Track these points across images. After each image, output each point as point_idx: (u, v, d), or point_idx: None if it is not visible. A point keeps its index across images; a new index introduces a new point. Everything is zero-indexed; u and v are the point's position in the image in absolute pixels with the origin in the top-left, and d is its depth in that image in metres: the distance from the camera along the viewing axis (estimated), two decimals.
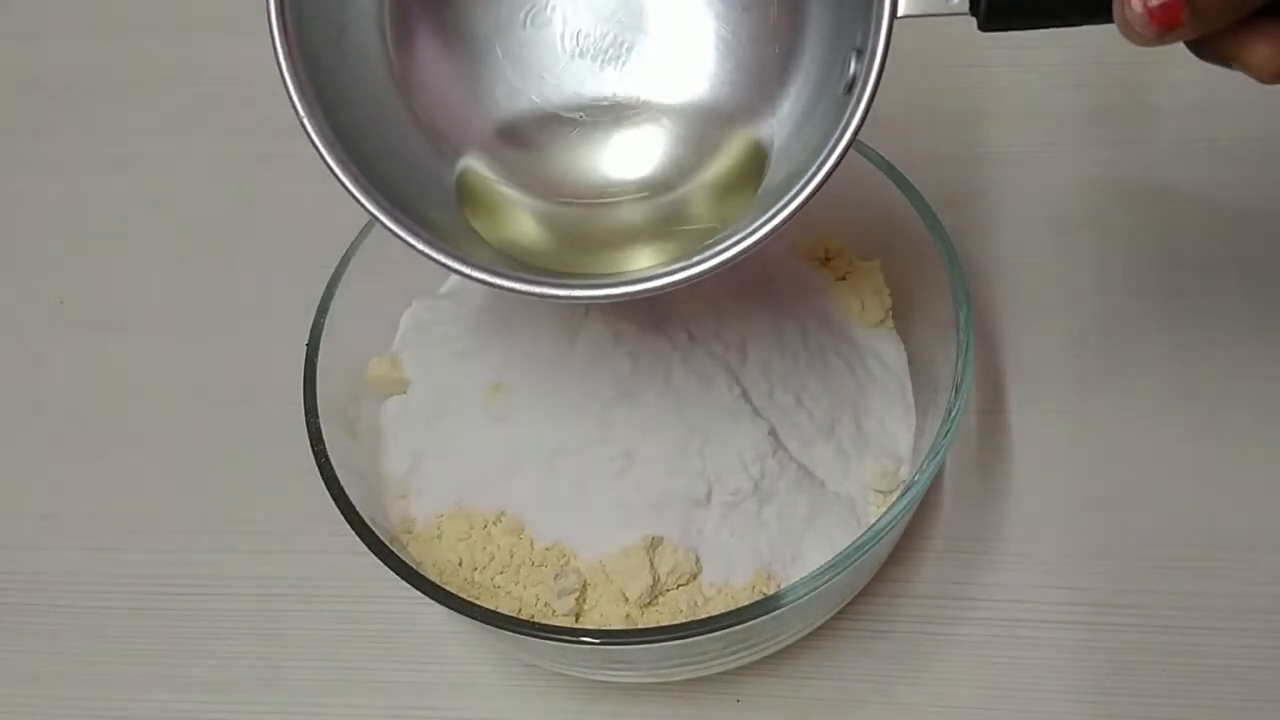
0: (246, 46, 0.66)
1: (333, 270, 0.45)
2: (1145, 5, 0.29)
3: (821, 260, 0.49)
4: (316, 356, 0.43)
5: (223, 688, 0.47)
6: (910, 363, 0.47)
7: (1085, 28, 0.33)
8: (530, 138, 0.39)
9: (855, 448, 0.44)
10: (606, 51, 0.39)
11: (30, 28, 0.72)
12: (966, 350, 0.41)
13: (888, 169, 0.45)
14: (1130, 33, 0.30)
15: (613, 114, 0.39)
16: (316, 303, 0.45)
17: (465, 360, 0.45)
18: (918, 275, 0.45)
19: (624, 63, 0.39)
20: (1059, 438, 0.49)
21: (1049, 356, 0.52)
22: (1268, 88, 0.32)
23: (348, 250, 0.46)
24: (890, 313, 0.48)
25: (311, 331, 0.44)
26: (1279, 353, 0.51)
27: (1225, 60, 0.32)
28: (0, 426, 0.56)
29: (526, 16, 0.39)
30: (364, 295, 0.46)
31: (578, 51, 0.39)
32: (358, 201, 0.35)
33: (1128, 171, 0.57)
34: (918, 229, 0.44)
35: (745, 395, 0.42)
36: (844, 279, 0.48)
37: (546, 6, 0.39)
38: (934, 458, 0.39)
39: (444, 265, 0.35)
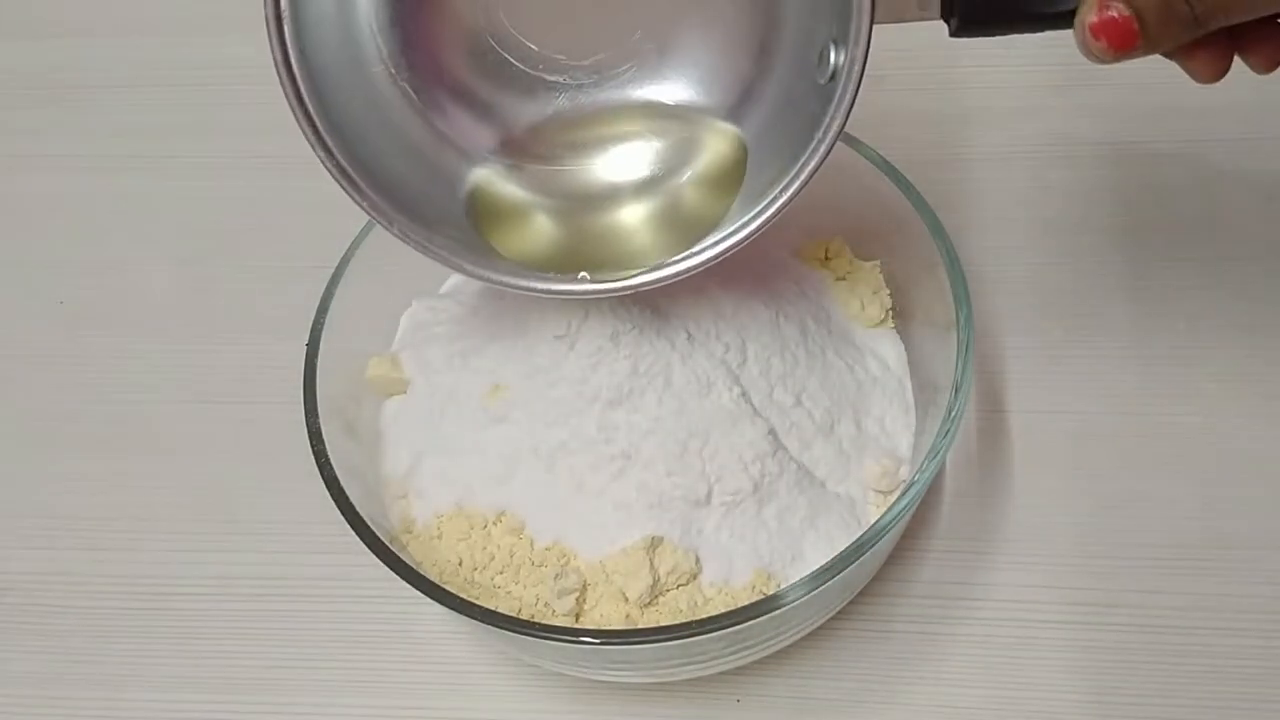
0: (247, 46, 0.66)
1: (333, 270, 0.45)
2: (1105, 35, 0.32)
3: (821, 260, 0.49)
4: (316, 356, 0.43)
5: (223, 688, 0.47)
6: (910, 363, 0.47)
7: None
8: (520, 113, 0.41)
9: (855, 448, 0.44)
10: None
11: (30, 28, 0.72)
12: (966, 350, 0.41)
13: (888, 169, 0.45)
14: (1089, 55, 0.33)
15: (594, 82, 0.41)
16: (316, 303, 0.45)
17: (465, 360, 0.45)
18: (918, 275, 0.45)
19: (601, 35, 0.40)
20: (1059, 438, 0.49)
21: (1049, 356, 0.52)
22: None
23: (348, 250, 0.46)
24: (890, 313, 0.48)
25: (311, 331, 0.44)
26: (1278, 352, 0.51)
27: (1169, 57, 0.35)
28: (0, 426, 0.56)
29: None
30: (364, 295, 0.46)
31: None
32: (385, 228, 0.39)
33: (1128, 171, 0.57)
34: (918, 229, 0.44)
35: (745, 396, 0.42)
36: (844, 279, 0.48)
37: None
38: (934, 458, 0.39)
39: (453, 268, 0.39)
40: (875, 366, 0.46)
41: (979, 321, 0.51)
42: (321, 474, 0.41)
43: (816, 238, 0.49)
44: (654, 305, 0.43)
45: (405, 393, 0.47)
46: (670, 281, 0.39)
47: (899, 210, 0.44)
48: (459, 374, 0.45)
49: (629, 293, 0.39)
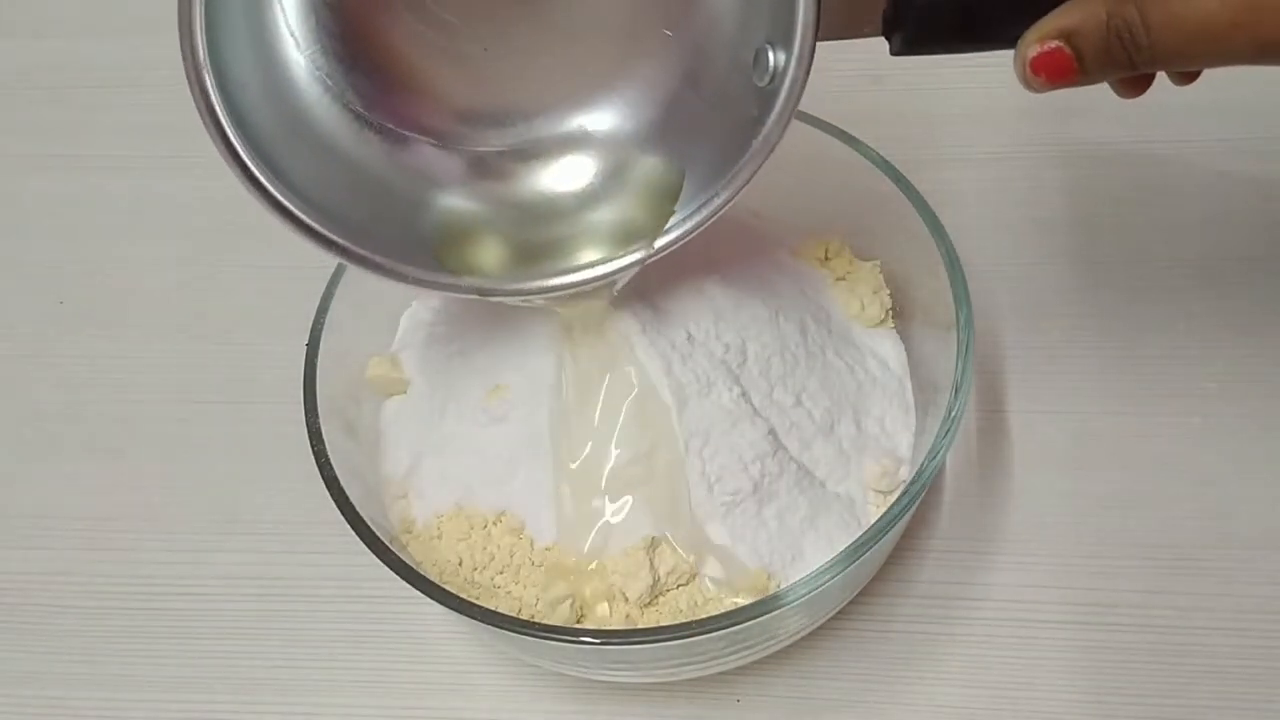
0: None
1: (333, 270, 0.45)
2: (1044, 70, 0.35)
3: (821, 260, 0.49)
4: (316, 356, 0.43)
5: (223, 688, 0.47)
6: (910, 363, 0.47)
7: None
8: (453, 92, 0.39)
9: (855, 448, 0.44)
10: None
11: (30, 28, 0.72)
12: (966, 350, 0.41)
13: (887, 169, 0.45)
14: (1026, 84, 0.35)
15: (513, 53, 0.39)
16: (316, 303, 0.45)
17: (465, 360, 0.45)
18: (918, 275, 0.45)
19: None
20: (1059, 438, 0.49)
21: (1049, 356, 0.52)
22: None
23: None
24: (890, 313, 0.48)
25: (311, 331, 0.44)
26: (1277, 352, 0.51)
27: None
28: (0, 427, 0.56)
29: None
30: (364, 295, 0.46)
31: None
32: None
33: (1127, 171, 0.57)
34: (918, 229, 0.44)
35: (745, 396, 0.42)
36: (844, 279, 0.48)
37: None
38: (934, 458, 0.39)
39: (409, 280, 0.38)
40: (875, 366, 0.46)
41: (979, 321, 0.51)
42: (321, 474, 0.41)
43: (816, 237, 0.49)
44: (654, 305, 0.43)
45: (405, 393, 0.47)
46: (600, 283, 0.39)
47: (899, 210, 0.44)
48: (459, 374, 0.45)
49: (566, 292, 0.39)
